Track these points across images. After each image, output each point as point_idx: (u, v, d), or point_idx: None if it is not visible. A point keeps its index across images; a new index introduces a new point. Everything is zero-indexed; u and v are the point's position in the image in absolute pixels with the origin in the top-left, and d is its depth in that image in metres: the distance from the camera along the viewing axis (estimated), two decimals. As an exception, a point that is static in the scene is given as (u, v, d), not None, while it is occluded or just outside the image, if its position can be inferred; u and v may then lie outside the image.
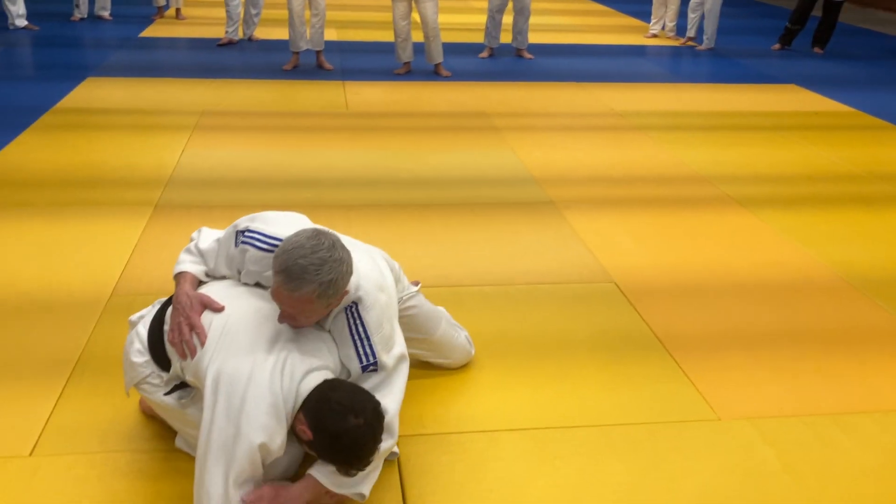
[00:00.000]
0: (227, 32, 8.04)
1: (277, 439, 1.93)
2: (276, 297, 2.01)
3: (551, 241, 3.83)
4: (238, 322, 2.06)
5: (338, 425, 1.91)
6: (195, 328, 2.06)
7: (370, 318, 2.10)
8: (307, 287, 1.95)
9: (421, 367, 2.67)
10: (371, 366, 2.10)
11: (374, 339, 2.10)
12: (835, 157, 5.28)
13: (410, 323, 2.49)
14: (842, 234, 4.04)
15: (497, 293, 3.27)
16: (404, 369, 2.18)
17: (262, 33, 8.46)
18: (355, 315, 2.10)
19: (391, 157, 4.92)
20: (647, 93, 6.88)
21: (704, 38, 8.81)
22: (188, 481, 2.15)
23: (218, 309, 2.09)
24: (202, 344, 2.02)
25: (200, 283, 2.25)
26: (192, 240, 2.34)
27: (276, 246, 2.11)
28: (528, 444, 2.40)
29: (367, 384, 2.09)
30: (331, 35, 8.27)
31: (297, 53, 7.13)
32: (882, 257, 3.79)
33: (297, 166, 4.70)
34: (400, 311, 2.38)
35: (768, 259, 3.73)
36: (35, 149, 4.81)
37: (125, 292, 3.18)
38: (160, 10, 9.45)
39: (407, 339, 2.31)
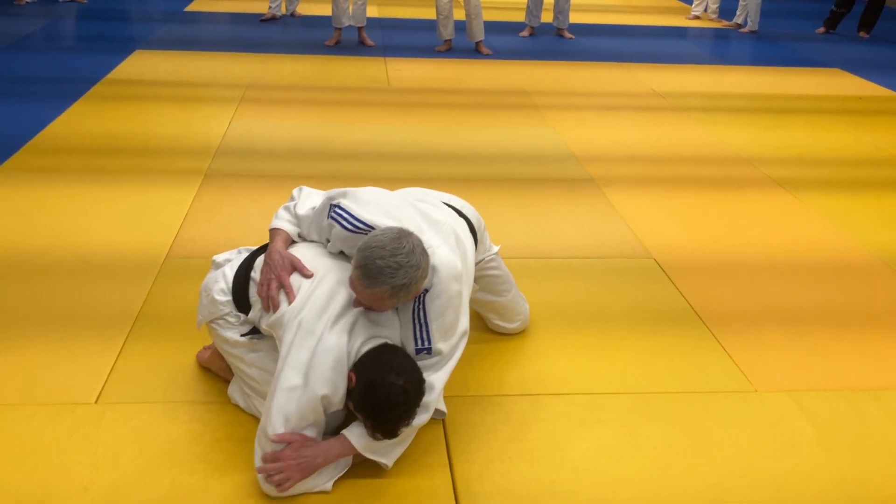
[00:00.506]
0: (270, 8, 8.14)
1: (339, 392, 2.05)
2: (352, 286, 2.12)
3: (591, 217, 3.89)
4: (321, 290, 2.17)
5: (377, 375, 2.01)
6: (284, 287, 2.18)
7: (434, 306, 2.17)
8: (380, 287, 2.05)
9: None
10: (425, 350, 2.19)
11: (433, 327, 2.17)
12: (877, 142, 5.25)
13: (488, 284, 2.62)
14: (882, 218, 4.04)
15: (538, 266, 3.34)
16: (460, 349, 2.25)
17: (304, 9, 8.55)
18: (421, 301, 2.17)
19: (433, 133, 4.99)
20: (688, 74, 6.86)
21: (748, 20, 8.73)
22: (244, 429, 2.28)
23: (307, 275, 2.21)
24: (289, 303, 2.14)
25: (292, 242, 2.37)
26: (292, 197, 2.45)
27: (360, 229, 2.20)
28: (569, 409, 2.48)
29: (419, 362, 2.17)
30: (372, 12, 8.33)
31: (340, 29, 7.22)
32: (923, 241, 3.80)
33: (340, 139, 4.79)
34: (480, 271, 2.52)
35: (807, 240, 3.75)
36: (88, 118, 4.96)
37: (179, 255, 3.30)
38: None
39: (480, 302, 2.46)
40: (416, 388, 2.06)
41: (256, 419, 2.31)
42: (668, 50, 7.79)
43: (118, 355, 2.62)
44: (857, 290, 3.31)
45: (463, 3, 7.06)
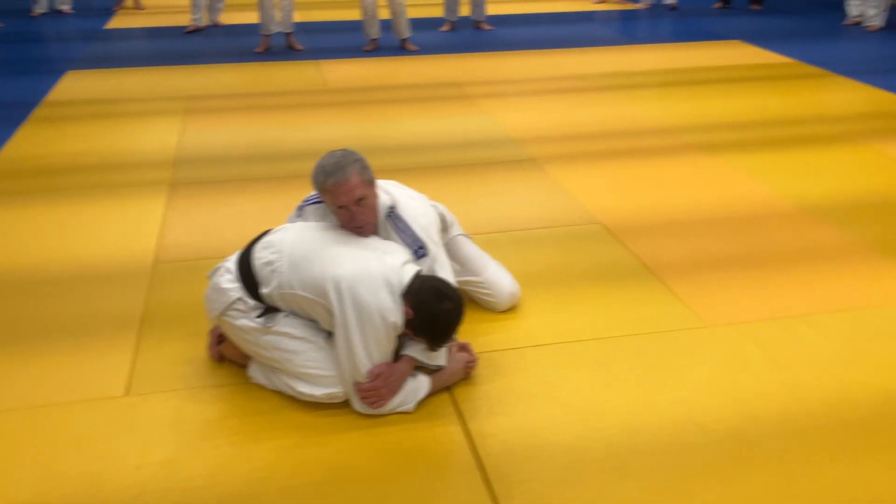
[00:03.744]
0: (193, 20, 8.23)
1: (400, 316, 2.40)
2: (337, 200, 2.50)
3: (539, 192, 4.24)
4: (326, 239, 2.56)
5: (434, 308, 2.40)
6: None
7: (406, 214, 2.66)
8: (350, 169, 2.49)
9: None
10: (420, 250, 2.61)
11: (415, 229, 2.65)
12: (781, 104, 5.77)
13: (461, 255, 2.98)
14: (796, 171, 4.51)
15: (501, 238, 3.67)
16: (443, 250, 2.74)
17: (225, 18, 8.66)
18: (394, 216, 2.66)
19: (378, 128, 5.26)
20: (603, 56, 7.30)
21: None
22: (269, 403, 2.53)
23: None
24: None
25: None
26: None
27: (319, 199, 2.65)
28: (550, 357, 2.81)
29: (425, 269, 2.58)
30: (296, 17, 8.48)
31: (269, 36, 7.38)
32: (829, 188, 4.27)
33: (292, 140, 5.01)
34: (449, 240, 2.94)
35: (733, 195, 4.18)
36: (38, 141, 5.04)
37: (167, 259, 3.49)
38: (120, 1, 9.55)
39: (464, 282, 2.87)
40: (461, 301, 2.49)
41: (279, 394, 2.57)
42: (580, 34, 8.23)
43: (135, 353, 2.82)
44: (781, 234, 3.75)
45: (387, 3, 7.32)
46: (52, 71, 6.67)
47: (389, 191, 2.73)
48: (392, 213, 2.66)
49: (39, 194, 4.19)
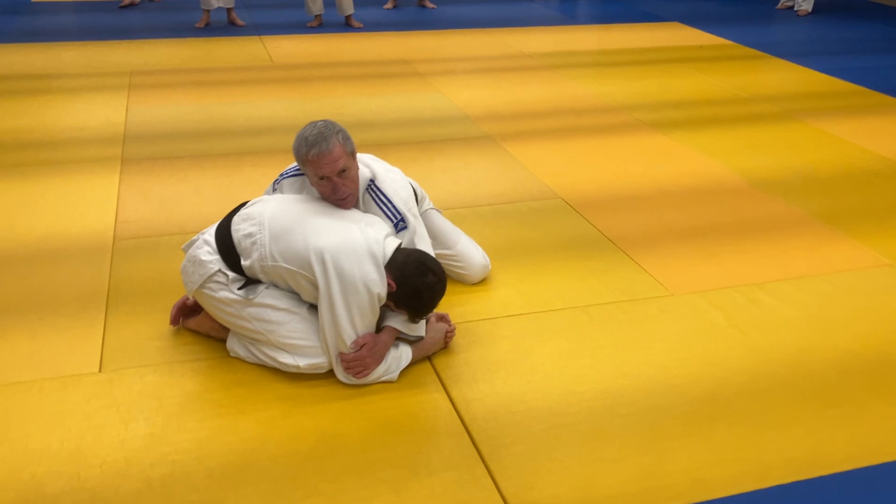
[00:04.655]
0: (127, -7, 7.98)
1: (384, 287, 2.42)
2: (319, 171, 2.50)
3: (499, 168, 4.29)
4: (308, 210, 2.55)
5: (418, 282, 2.43)
6: None
7: (386, 187, 2.69)
8: (333, 140, 2.49)
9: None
10: (401, 223, 2.64)
11: (395, 201, 2.67)
12: (723, 84, 5.95)
13: (432, 228, 2.97)
14: (741, 147, 4.68)
15: (468, 213, 3.70)
16: (421, 223, 2.77)
17: (161, -7, 8.43)
18: (375, 189, 2.69)
19: (330, 104, 5.22)
20: (547, 35, 7.39)
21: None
22: (250, 375, 2.53)
23: None
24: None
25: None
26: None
27: (297, 172, 2.67)
28: (525, 325, 2.87)
29: (405, 242, 2.61)
30: (234, -8, 8.32)
31: (209, 11, 7.21)
32: (773, 163, 4.45)
33: (242, 116, 4.93)
34: (422, 213, 2.91)
35: (684, 170, 4.32)
36: (-26, 115, 4.83)
37: (127, 236, 3.41)
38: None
39: (437, 255, 2.85)
40: (444, 275, 2.52)
41: (261, 367, 2.56)
42: (522, 14, 8.31)
43: (104, 329, 2.76)
44: (732, 206, 3.89)
45: (330, -21, 7.24)
46: (-21, 45, 6.38)
47: (368, 164, 2.74)
48: (372, 186, 2.67)
49: (-17, 170, 4.03)
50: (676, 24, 7.95)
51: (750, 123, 5.10)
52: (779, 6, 8.97)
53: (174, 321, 2.75)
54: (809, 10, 8.65)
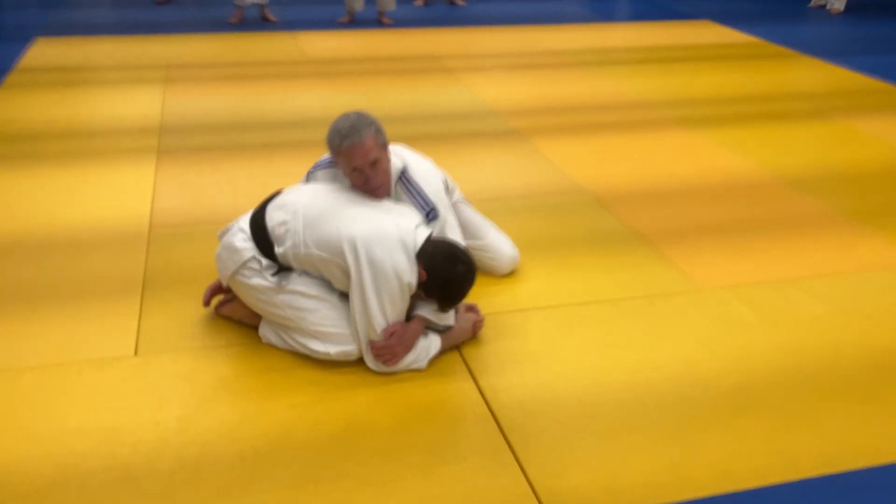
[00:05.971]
0: (162, -11, 8.09)
1: (415, 276, 2.45)
2: (352, 162, 2.53)
3: (528, 163, 4.30)
4: (341, 199, 2.58)
5: (448, 272, 2.46)
6: None
7: (418, 178, 2.72)
8: (365, 132, 2.51)
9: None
10: (432, 212, 2.66)
11: (426, 191, 2.70)
12: (751, 81, 5.92)
13: (462, 220, 2.98)
14: (771, 144, 4.65)
15: (498, 206, 3.72)
16: (452, 214, 2.82)
17: (195, -11, 8.53)
18: (406, 179, 2.71)
19: (361, 98, 5.26)
20: (577, 33, 7.38)
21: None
22: (283, 361, 2.57)
23: None
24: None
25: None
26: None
27: (331, 163, 2.69)
28: (554, 318, 2.88)
29: (436, 232, 2.63)
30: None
31: (242, 8, 7.30)
32: (805, 161, 4.42)
33: (276, 109, 5.00)
34: (452, 204, 2.92)
35: (712, 167, 4.30)
36: (14, 106, 4.94)
37: (163, 224, 3.48)
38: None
39: (467, 246, 2.85)
40: (473, 265, 2.56)
41: (292, 353, 2.60)
42: (553, 11, 8.30)
43: (140, 314, 2.82)
44: (761, 202, 3.87)
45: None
46: (17, 38, 6.52)
47: (400, 154, 2.77)
48: (404, 177, 2.71)
49: (20, 160, 4.12)
50: (706, 23, 7.90)
51: (780, 121, 5.06)
52: (811, 4, 8.89)
53: (207, 302, 2.80)
54: (842, 9, 8.56)
